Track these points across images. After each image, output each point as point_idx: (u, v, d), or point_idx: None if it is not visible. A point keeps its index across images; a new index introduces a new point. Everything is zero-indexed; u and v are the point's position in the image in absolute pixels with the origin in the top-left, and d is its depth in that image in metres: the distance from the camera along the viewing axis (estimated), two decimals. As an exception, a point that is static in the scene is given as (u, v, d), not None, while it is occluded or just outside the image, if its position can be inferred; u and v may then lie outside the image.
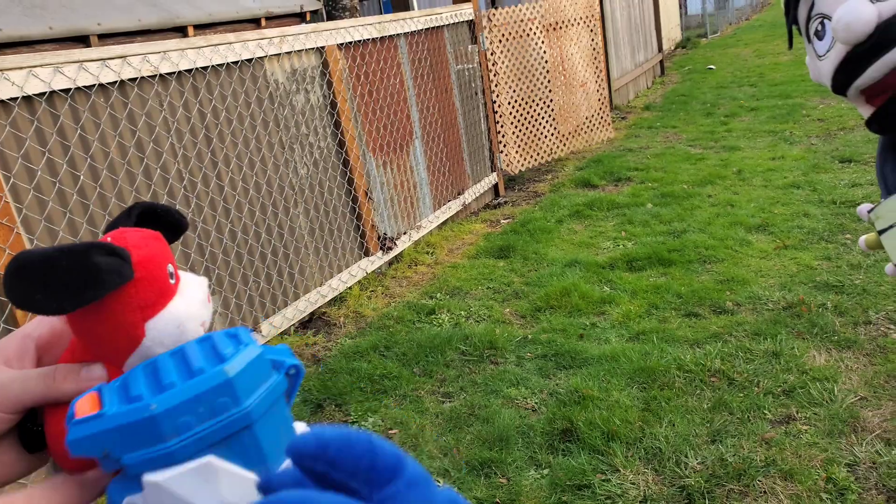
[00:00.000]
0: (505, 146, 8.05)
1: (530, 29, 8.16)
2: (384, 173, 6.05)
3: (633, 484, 3.02)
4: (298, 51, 5.07)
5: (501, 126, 7.96)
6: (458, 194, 7.23)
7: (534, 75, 8.30)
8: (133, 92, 3.90)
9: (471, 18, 7.42)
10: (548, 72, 8.44)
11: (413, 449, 3.48)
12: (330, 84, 5.37)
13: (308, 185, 5.16)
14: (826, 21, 1.27)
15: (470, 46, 7.49)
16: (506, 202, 7.76)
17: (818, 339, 3.92)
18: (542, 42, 8.31)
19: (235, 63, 4.55)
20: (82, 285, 0.56)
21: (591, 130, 9.44)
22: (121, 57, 3.78)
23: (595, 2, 9.23)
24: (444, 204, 6.97)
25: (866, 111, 1.31)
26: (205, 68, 4.32)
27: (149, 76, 3.97)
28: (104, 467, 0.50)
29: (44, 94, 3.45)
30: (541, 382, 3.91)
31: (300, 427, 0.56)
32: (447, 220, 7.03)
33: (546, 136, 8.64)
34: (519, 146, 8.30)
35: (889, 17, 1.17)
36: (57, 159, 3.54)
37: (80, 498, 0.59)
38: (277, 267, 4.87)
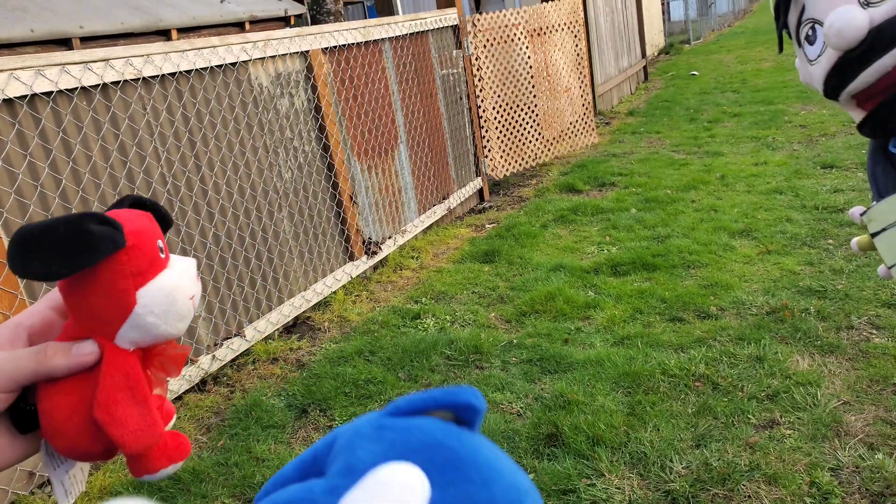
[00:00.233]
0: (490, 151, 8.06)
1: (515, 34, 8.17)
2: (369, 178, 6.04)
3: (619, 489, 3.02)
4: (283, 55, 5.05)
5: (486, 131, 7.97)
6: (443, 199, 7.23)
7: (518, 80, 8.32)
8: (116, 95, 3.87)
9: (455, 23, 7.42)
10: (532, 77, 8.46)
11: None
12: (314, 88, 5.35)
13: (293, 190, 5.13)
14: (817, 26, 1.27)
15: (455, 51, 7.49)
16: (491, 207, 7.76)
17: (801, 343, 3.94)
18: (527, 47, 8.33)
19: (219, 67, 4.52)
20: (77, 250, 0.61)
21: (576, 136, 9.47)
22: (103, 60, 3.75)
23: (579, 8, 9.26)
24: (429, 208, 6.97)
25: (858, 115, 1.31)
26: (188, 72, 4.30)
27: (132, 79, 3.94)
28: None
29: (25, 96, 3.42)
30: (526, 387, 3.91)
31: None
32: (432, 224, 7.03)
33: (531, 142, 8.66)
34: (504, 151, 8.31)
35: (881, 22, 1.16)
36: (38, 162, 3.51)
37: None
38: (262, 271, 4.85)
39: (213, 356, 4.39)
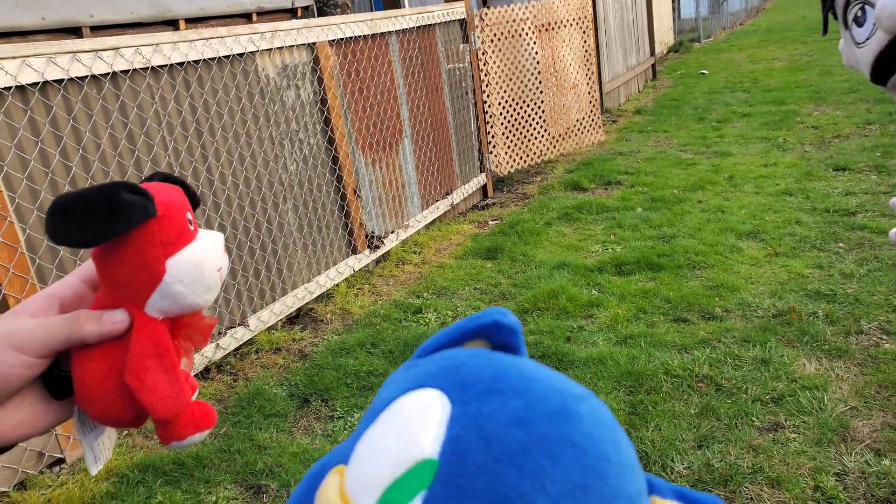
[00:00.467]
0: (494, 147, 8.04)
1: (522, 29, 8.14)
2: (373, 171, 6.03)
3: (621, 489, 3.01)
4: (290, 46, 5.03)
5: (491, 126, 7.95)
6: (447, 194, 7.21)
7: (525, 76, 8.29)
8: (125, 84, 3.87)
9: (463, 17, 7.40)
10: (539, 73, 8.43)
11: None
12: (321, 80, 5.33)
13: (297, 182, 5.13)
14: (868, 7, 1.21)
15: (461, 46, 7.46)
16: (494, 203, 7.75)
17: (808, 347, 3.92)
18: (534, 43, 8.30)
19: (227, 57, 4.51)
20: (111, 218, 0.63)
21: (582, 133, 9.44)
22: (114, 49, 3.75)
23: (588, 3, 9.22)
24: (432, 203, 6.95)
25: None
26: (196, 62, 4.29)
27: (141, 69, 3.94)
28: None
29: (37, 83, 3.44)
30: (529, 385, 3.89)
31: None
32: (435, 219, 7.01)
33: (536, 138, 8.63)
34: (508, 147, 8.29)
35: None
36: (49, 149, 3.53)
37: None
38: (266, 262, 4.84)
39: (217, 345, 4.39)
